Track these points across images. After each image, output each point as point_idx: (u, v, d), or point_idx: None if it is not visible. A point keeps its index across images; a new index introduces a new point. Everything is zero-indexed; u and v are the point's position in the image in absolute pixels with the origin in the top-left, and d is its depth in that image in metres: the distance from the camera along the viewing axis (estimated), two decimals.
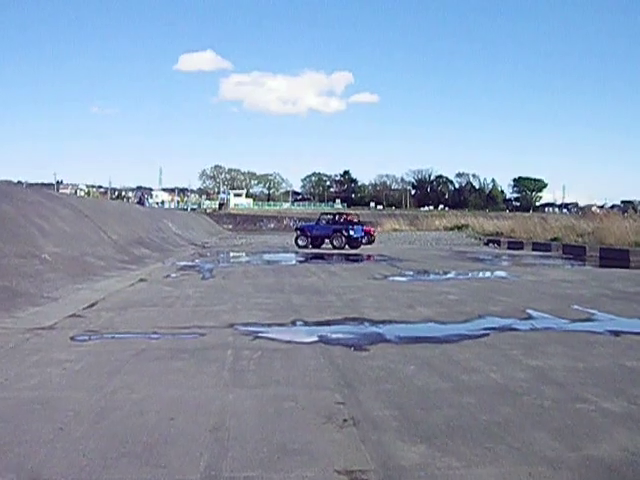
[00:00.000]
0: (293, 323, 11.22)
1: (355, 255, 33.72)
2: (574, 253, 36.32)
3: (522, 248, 43.01)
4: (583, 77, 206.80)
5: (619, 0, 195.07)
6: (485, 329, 10.82)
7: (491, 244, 48.69)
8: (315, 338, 9.76)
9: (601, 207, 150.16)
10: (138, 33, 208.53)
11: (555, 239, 44.39)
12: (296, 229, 44.78)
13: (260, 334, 10.06)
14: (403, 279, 20.05)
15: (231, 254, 34.60)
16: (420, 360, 8.32)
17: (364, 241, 41.41)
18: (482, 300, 14.66)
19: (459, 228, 69.35)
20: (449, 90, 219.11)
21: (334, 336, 10.01)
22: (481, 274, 22.24)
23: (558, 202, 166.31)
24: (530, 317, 12.27)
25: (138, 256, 26.86)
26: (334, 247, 38.70)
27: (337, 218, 42.39)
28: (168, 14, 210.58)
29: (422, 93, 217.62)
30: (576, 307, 13.66)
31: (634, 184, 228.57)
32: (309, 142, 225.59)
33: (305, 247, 39.36)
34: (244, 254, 34.24)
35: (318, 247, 39.59)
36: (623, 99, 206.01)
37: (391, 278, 20.31)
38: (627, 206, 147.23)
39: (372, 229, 47.60)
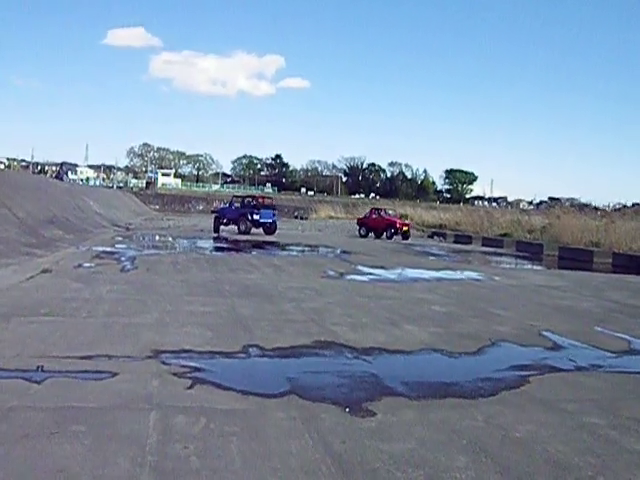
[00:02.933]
0: (245, 351, 7.86)
1: (297, 245, 30.47)
2: (530, 251, 33.97)
3: (471, 242, 40.67)
4: (514, 73, 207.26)
5: None
6: (515, 368, 7.75)
7: (436, 237, 46.14)
8: (285, 385, 6.46)
9: (530, 203, 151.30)
10: (65, 4, 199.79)
11: (506, 234, 42.00)
12: (212, 211, 43.37)
13: (200, 373, 6.71)
14: (363, 279, 16.87)
15: (158, 238, 30.81)
16: (464, 439, 5.14)
17: (273, 227, 38.70)
18: (477, 314, 11.66)
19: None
20: (383, 79, 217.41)
21: (311, 380, 6.75)
22: (450, 275, 19.24)
23: (487, 196, 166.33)
24: (557, 345, 9.32)
25: (48, 239, 23.01)
26: (240, 232, 37.18)
27: (247, 201, 40.24)
28: None
29: (355, 81, 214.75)
30: (599, 329, 10.83)
31: (560, 181, 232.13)
32: (240, 124, 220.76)
33: (216, 231, 37.81)
34: (172, 239, 30.50)
35: None
36: (552, 96, 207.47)
37: (348, 277, 17.14)
38: (554, 203, 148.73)
39: (403, 221, 44.67)
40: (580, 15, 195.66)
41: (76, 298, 11.13)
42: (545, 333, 10.11)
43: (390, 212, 46.39)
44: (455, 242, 41.99)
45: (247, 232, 37.00)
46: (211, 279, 14.89)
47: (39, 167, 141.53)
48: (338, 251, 27.26)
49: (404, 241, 38.70)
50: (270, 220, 38.29)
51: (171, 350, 7.63)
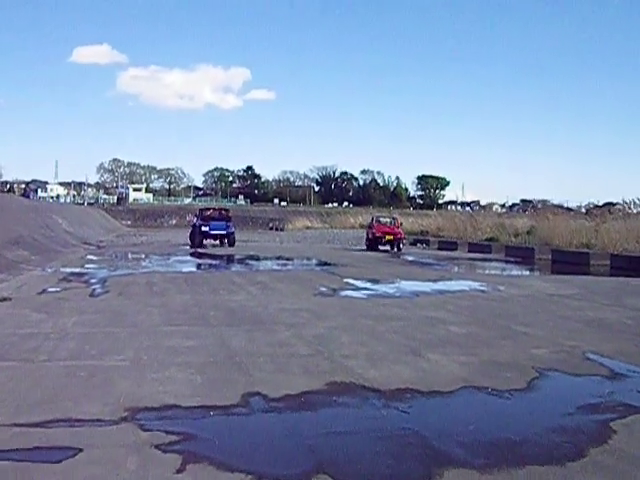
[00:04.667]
0: (246, 404, 6.20)
1: (279, 258, 28.82)
2: (520, 255, 32.54)
3: (456, 249, 39.23)
4: (481, 76, 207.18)
5: None
6: (585, 410, 6.26)
7: (419, 244, 44.67)
8: (308, 459, 4.83)
9: (502, 206, 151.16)
10: (29, 23, 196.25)
11: (491, 239, 40.63)
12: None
13: (191, 444, 5.07)
14: (360, 295, 15.27)
15: (130, 256, 28.98)
16: None
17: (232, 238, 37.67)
18: (503, 334, 10.09)
19: None
20: (350, 87, 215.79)
21: (339, 447, 5.12)
22: (449, 286, 17.72)
23: (459, 200, 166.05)
24: (616, 373, 7.82)
25: (11, 261, 21.14)
26: (192, 245, 36.56)
27: (203, 213, 39.14)
28: (61, 6, 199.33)
29: (322, 90, 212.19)
30: None
31: (530, 183, 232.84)
32: (210, 137, 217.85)
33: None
34: (146, 256, 28.64)
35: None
36: (519, 98, 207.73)
37: (343, 293, 15.53)
38: (526, 205, 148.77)
39: (399, 230, 38.45)
40: (543, 14, 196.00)
41: (36, 334, 9.40)
42: (592, 356, 8.57)
43: (385, 220, 41.64)
44: (439, 249, 40.53)
45: (199, 245, 36.06)
46: (192, 302, 13.20)
47: (8, 186, 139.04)
48: (323, 263, 25.63)
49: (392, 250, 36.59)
50: (222, 232, 37.10)
51: (151, 407, 5.95)
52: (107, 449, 4.89)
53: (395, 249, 36.38)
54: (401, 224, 40.37)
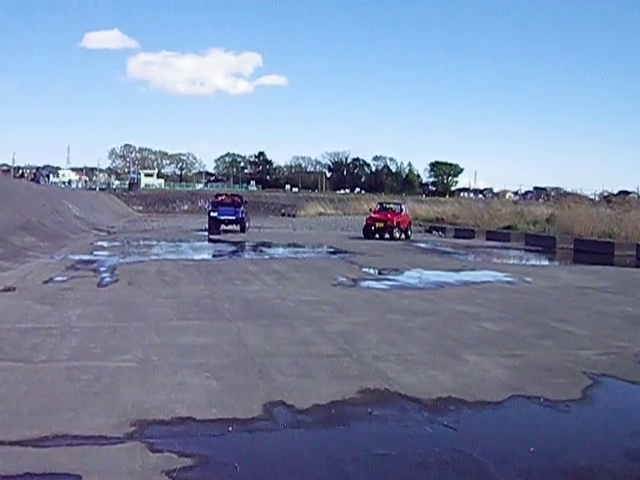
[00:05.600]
0: (270, 416, 5.44)
1: (293, 246, 28.06)
2: (541, 244, 31.59)
3: (474, 237, 38.24)
4: (494, 64, 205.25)
5: None
6: None
7: (435, 231, 43.76)
8: None
9: (515, 193, 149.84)
10: (40, 8, 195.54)
11: (509, 227, 39.73)
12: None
13: (208, 470, 4.31)
14: (382, 286, 14.51)
15: (141, 243, 28.16)
16: None
17: (248, 224, 38.83)
18: (542, 333, 9.33)
19: None
20: (362, 73, 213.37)
21: (384, 476, 4.32)
22: (473, 276, 16.93)
23: (472, 188, 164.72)
24: None
25: (18, 247, 20.44)
26: (209, 231, 36.54)
27: (216, 199, 40.00)
28: None
29: (334, 76, 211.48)
30: None
31: (543, 171, 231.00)
32: (221, 123, 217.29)
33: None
34: (157, 243, 27.89)
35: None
36: (535, 86, 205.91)
37: (363, 284, 14.78)
38: (540, 192, 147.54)
39: (392, 217, 35.30)
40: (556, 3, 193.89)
41: (37, 329, 8.67)
42: None
43: (389, 206, 39.36)
44: (456, 237, 39.60)
45: (216, 231, 36.09)
46: (205, 293, 12.46)
47: (20, 171, 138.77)
48: (339, 251, 24.84)
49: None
50: (232, 217, 37.18)
51: (161, 420, 5.21)
52: (110, 476, 4.14)
53: (388, 235, 34.11)
54: (404, 211, 37.48)
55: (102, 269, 16.57)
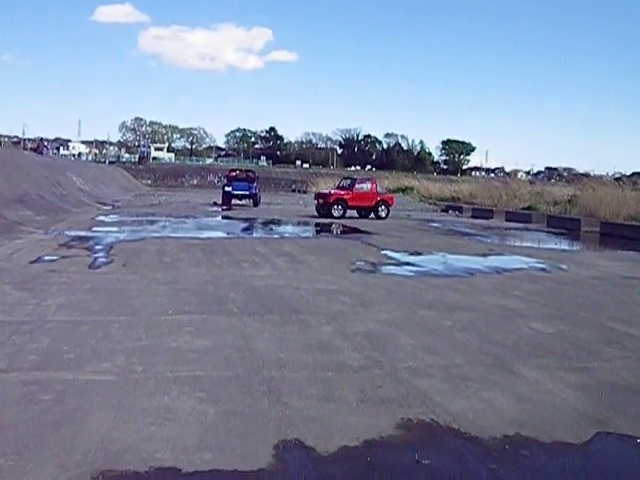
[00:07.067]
0: (282, 469, 4.00)
1: (305, 224, 26.59)
2: (565, 227, 29.97)
3: (492, 217, 36.71)
4: (508, 43, 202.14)
5: None
6: None
7: (451, 211, 42.22)
8: None
9: (527, 173, 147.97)
10: None
11: (529, 208, 38.13)
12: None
13: None
14: (405, 272, 13.03)
15: (145, 218, 26.66)
16: None
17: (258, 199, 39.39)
18: (604, 336, 7.90)
19: (403, 191, 63.09)
20: (374, 50, 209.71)
21: None
22: (503, 262, 15.45)
23: (484, 167, 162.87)
24: None
25: (11, 222, 19.06)
26: (222, 204, 38.19)
27: (230, 174, 41.33)
28: None
29: (345, 53, 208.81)
30: None
31: (554, 151, 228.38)
32: (232, 98, 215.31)
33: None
34: (161, 218, 26.40)
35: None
36: (546, 65, 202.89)
37: (384, 269, 13.34)
38: (552, 173, 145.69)
39: (388, 196, 33.62)
40: None
41: (4, 324, 7.26)
42: None
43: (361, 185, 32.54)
44: (473, 217, 38.05)
45: (226, 203, 37.90)
46: (207, 278, 11.04)
47: (29, 143, 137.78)
48: (353, 230, 23.39)
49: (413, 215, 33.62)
50: (245, 192, 38.40)
51: (135, 471, 3.77)
52: None
53: (324, 211, 30.98)
54: (377, 187, 32.55)
55: (97, 247, 15.17)
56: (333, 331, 7.49)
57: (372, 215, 31.48)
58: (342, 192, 31.76)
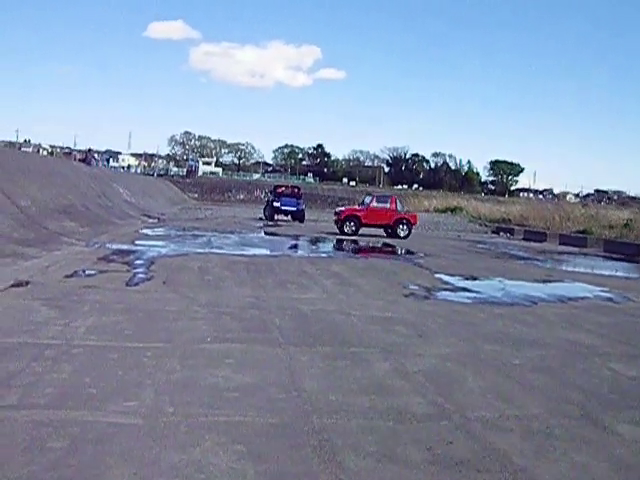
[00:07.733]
0: None
1: (353, 242, 25.78)
2: (623, 252, 28.69)
3: (545, 240, 35.52)
4: (557, 64, 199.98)
5: None
6: None
7: (502, 233, 41.04)
8: None
9: (576, 195, 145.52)
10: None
11: (584, 231, 36.83)
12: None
13: None
14: (463, 300, 12.12)
15: (190, 233, 26.09)
16: None
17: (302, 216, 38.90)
18: None
19: (452, 211, 61.95)
20: (422, 69, 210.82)
21: None
22: (565, 289, 14.51)
23: (532, 188, 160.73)
24: None
25: (52, 232, 18.54)
26: (265, 217, 39.28)
27: (274, 191, 41.23)
28: None
29: (393, 71, 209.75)
30: None
31: (603, 173, 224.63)
32: (280, 114, 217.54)
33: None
34: (206, 233, 25.78)
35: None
36: (598, 88, 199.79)
37: (439, 295, 12.46)
38: (601, 195, 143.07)
39: (411, 214, 32.23)
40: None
41: (26, 346, 6.56)
42: None
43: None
44: (525, 239, 36.90)
45: (270, 218, 38.34)
46: (252, 300, 10.27)
47: (84, 155, 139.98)
48: (404, 252, 22.51)
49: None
50: (293, 208, 38.55)
51: None
52: None
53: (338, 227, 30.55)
54: (397, 205, 31.20)
55: (138, 262, 14.52)
56: (391, 369, 6.64)
57: (391, 233, 30.37)
58: (356, 209, 31.33)
